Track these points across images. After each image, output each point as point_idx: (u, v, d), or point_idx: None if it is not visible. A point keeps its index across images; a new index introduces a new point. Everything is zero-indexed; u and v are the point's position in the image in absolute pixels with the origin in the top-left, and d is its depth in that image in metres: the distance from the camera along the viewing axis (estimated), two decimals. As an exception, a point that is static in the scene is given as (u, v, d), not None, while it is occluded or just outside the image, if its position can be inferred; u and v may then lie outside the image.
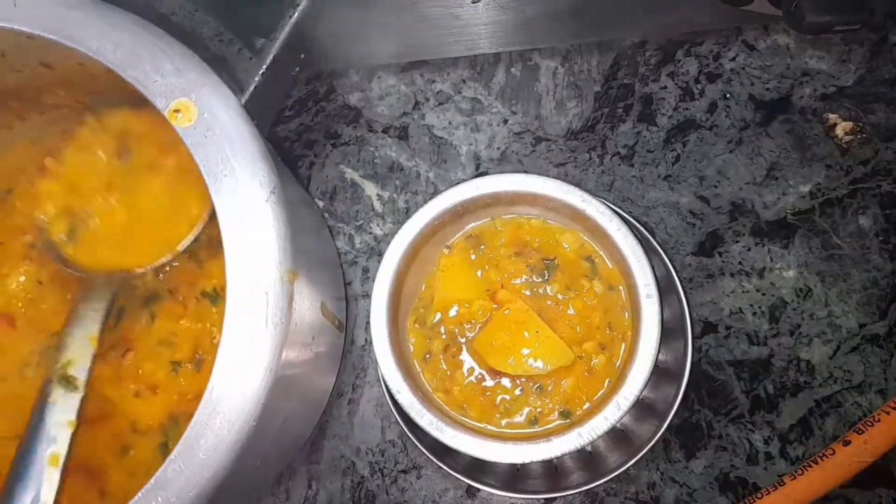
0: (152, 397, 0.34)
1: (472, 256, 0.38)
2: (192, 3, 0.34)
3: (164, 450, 0.34)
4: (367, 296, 0.43)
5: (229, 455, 0.26)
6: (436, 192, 0.38)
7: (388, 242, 0.37)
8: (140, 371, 0.35)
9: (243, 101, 0.31)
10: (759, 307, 0.42)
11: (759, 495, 0.36)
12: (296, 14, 0.34)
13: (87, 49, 0.29)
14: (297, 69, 0.37)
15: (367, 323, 0.37)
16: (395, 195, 0.45)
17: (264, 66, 0.33)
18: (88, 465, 0.34)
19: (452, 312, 0.37)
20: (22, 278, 0.37)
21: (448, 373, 0.36)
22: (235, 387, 0.26)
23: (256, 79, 0.33)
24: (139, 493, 0.25)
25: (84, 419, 0.34)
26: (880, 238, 0.42)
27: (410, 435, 0.38)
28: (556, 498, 0.39)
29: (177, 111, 0.28)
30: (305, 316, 0.32)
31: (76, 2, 0.30)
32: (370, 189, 0.46)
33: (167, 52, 0.29)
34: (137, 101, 0.35)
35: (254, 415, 0.26)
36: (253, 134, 0.29)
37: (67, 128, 0.39)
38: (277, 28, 0.34)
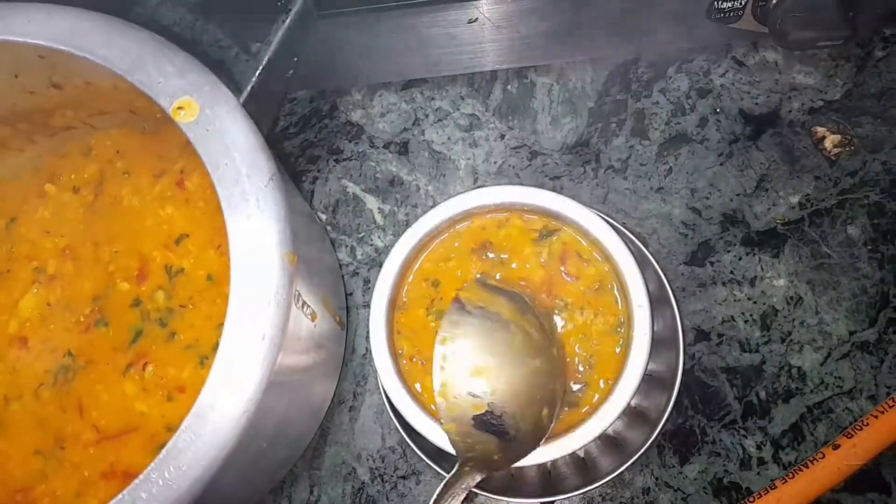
0: (182, 396, 0.35)
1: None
2: (192, 14, 0.36)
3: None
4: (368, 306, 0.44)
5: (235, 428, 0.27)
6: (435, 205, 0.39)
7: (389, 253, 0.38)
8: (164, 378, 0.35)
9: (241, 100, 0.34)
10: (751, 315, 0.43)
11: (751, 499, 0.37)
12: (288, 19, 0.37)
13: (96, 57, 0.31)
14: (291, 71, 0.39)
15: (368, 332, 0.38)
16: (395, 208, 0.47)
17: (260, 68, 0.36)
18: (120, 470, 0.34)
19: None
20: (32, 302, 0.39)
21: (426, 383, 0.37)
22: (238, 365, 0.27)
23: (253, 80, 0.35)
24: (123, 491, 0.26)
25: (109, 436, 0.35)
26: (869, 247, 0.43)
27: (409, 441, 0.39)
28: (552, 502, 0.40)
29: (180, 108, 0.30)
30: (307, 302, 0.33)
31: (84, 15, 0.32)
32: (371, 202, 0.47)
33: (170, 56, 0.31)
34: (138, 122, 0.37)
35: (260, 388, 0.27)
36: (251, 128, 0.31)
37: (67, 151, 0.41)
38: (271, 33, 0.36)
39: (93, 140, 0.40)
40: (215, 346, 0.33)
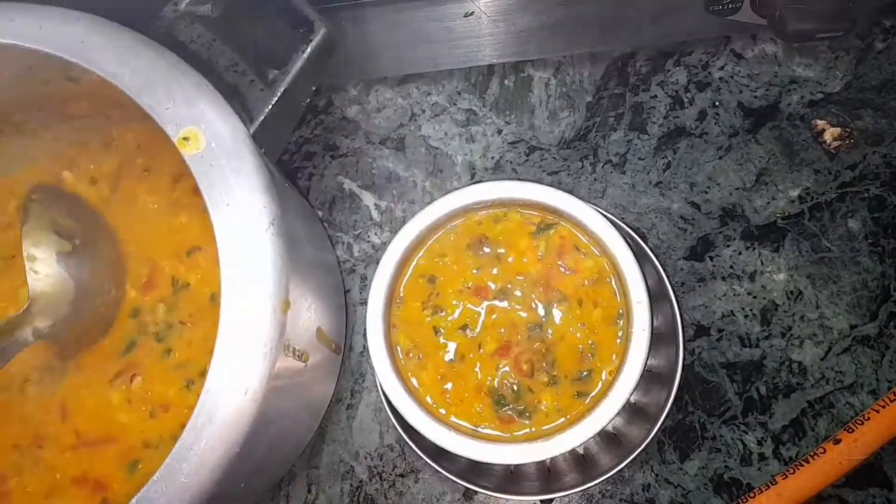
0: (164, 415, 0.35)
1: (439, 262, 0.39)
2: (211, 33, 0.35)
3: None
4: (365, 303, 0.43)
5: (210, 478, 0.26)
6: (432, 201, 0.39)
7: (385, 250, 0.38)
8: (150, 393, 0.35)
9: (252, 130, 0.32)
10: (751, 310, 0.42)
11: (752, 495, 0.36)
12: (308, 49, 0.35)
13: (105, 73, 0.30)
14: (308, 100, 0.38)
15: (365, 330, 0.38)
16: (392, 205, 0.47)
17: (275, 98, 0.34)
18: (92, 478, 0.34)
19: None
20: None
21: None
22: (221, 413, 0.27)
23: (266, 109, 0.34)
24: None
25: (87, 442, 0.35)
26: (869, 241, 0.43)
27: (408, 439, 0.38)
28: (552, 499, 0.40)
29: (186, 139, 0.29)
30: (300, 342, 0.32)
31: (99, 26, 0.31)
32: (368, 199, 0.47)
33: (181, 80, 0.30)
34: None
35: (238, 442, 0.27)
36: (258, 165, 0.30)
37: (88, 140, 0.40)
38: (290, 62, 0.35)
39: (114, 131, 0.39)
40: (204, 372, 0.32)
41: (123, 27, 0.31)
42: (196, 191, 0.38)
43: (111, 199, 0.39)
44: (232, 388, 0.27)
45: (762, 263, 0.43)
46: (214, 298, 0.36)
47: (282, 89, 0.34)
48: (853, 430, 0.36)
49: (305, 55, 0.35)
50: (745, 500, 0.36)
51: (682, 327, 0.39)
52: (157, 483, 0.26)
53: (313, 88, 0.38)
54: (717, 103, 0.47)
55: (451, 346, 0.38)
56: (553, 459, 0.39)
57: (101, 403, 0.35)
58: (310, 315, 0.35)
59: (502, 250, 0.39)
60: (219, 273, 0.36)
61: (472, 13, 0.42)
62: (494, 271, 0.38)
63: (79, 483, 0.34)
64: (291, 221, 0.32)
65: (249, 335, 0.28)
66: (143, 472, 0.34)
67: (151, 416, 0.35)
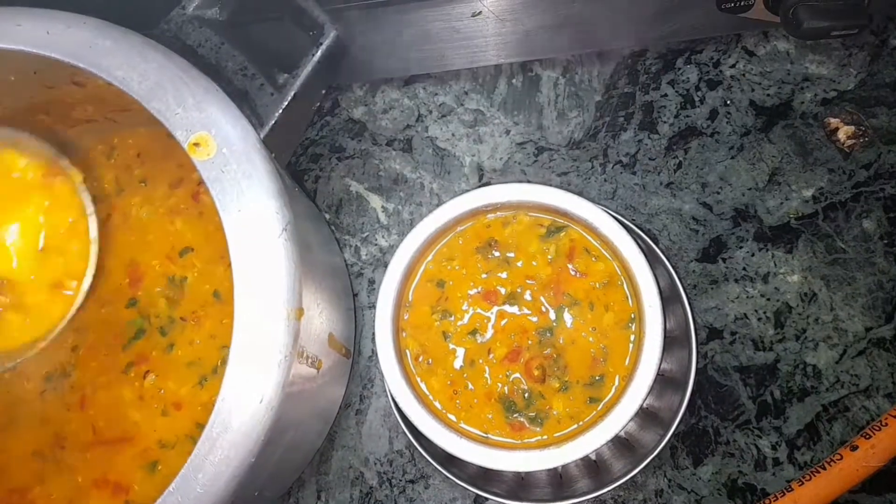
0: (177, 413, 0.35)
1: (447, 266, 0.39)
2: (219, 37, 0.34)
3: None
4: (374, 307, 0.43)
5: (227, 489, 0.26)
6: (440, 204, 0.38)
7: (394, 254, 0.37)
8: (163, 391, 0.35)
9: (263, 135, 0.32)
10: (764, 312, 0.42)
11: (767, 501, 0.36)
12: (319, 52, 0.35)
13: (114, 79, 0.30)
14: (318, 104, 0.37)
15: (374, 334, 0.37)
16: (399, 207, 0.46)
17: (285, 102, 0.33)
18: (112, 480, 0.34)
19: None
20: None
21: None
22: (237, 422, 0.27)
23: (277, 114, 0.33)
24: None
25: (104, 440, 0.34)
26: (885, 241, 0.42)
27: (417, 445, 0.38)
28: (563, 506, 0.39)
29: (196, 144, 0.29)
30: (313, 348, 0.32)
31: (106, 31, 0.31)
32: (375, 201, 0.46)
33: (190, 85, 0.30)
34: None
35: (253, 451, 0.27)
36: (269, 170, 0.29)
37: (91, 148, 0.40)
38: (300, 65, 0.34)
39: (116, 139, 0.39)
40: (216, 369, 0.32)
41: (131, 31, 0.31)
42: (194, 196, 0.38)
43: (106, 222, 0.38)
44: (247, 397, 0.27)
45: (775, 265, 0.42)
46: (218, 295, 0.36)
47: (292, 93, 0.34)
48: (870, 437, 0.35)
49: (316, 58, 0.34)
50: (760, 507, 0.36)
51: (695, 330, 0.38)
52: (174, 494, 0.26)
53: (323, 91, 0.38)
54: (728, 102, 0.46)
55: (461, 352, 0.37)
56: (565, 466, 0.38)
57: (114, 397, 0.35)
58: (321, 321, 0.34)
59: (511, 254, 0.38)
60: (217, 270, 0.36)
61: (479, 13, 0.42)
62: (504, 275, 0.38)
63: (100, 485, 0.34)
64: (301, 226, 0.32)
65: (264, 343, 0.27)
66: (164, 474, 0.34)
67: (164, 414, 0.35)
